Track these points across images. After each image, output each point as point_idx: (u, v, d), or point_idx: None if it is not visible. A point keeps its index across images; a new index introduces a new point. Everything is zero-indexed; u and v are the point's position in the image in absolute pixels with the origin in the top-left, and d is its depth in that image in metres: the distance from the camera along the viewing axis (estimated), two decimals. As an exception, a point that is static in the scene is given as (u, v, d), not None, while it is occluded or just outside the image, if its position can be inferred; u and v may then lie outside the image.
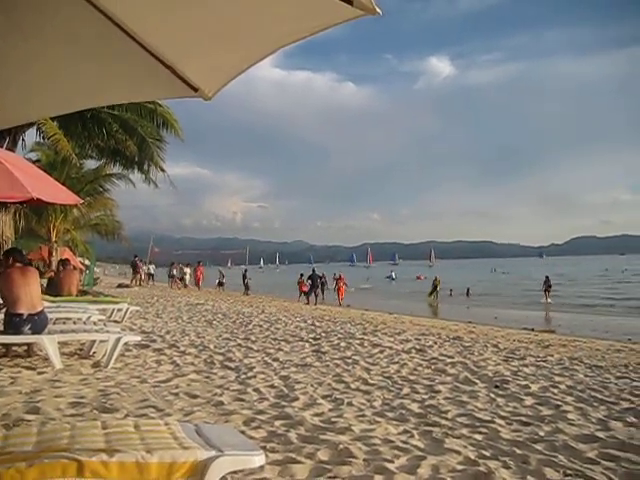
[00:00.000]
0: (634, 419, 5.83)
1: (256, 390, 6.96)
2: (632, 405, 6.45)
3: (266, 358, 9.44)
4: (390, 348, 10.87)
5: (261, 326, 14.61)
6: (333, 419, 5.69)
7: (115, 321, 13.69)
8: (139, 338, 9.67)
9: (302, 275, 32.61)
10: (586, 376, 8.32)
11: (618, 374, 8.57)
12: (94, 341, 9.04)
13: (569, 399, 6.70)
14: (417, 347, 11.12)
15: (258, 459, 3.07)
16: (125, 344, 9.04)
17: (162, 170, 21.50)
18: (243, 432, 4.95)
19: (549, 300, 34.32)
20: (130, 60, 3.05)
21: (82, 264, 31.03)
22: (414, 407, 6.29)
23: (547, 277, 35.32)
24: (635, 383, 7.80)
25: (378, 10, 2.22)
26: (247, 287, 39.75)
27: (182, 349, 10.13)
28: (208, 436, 3.21)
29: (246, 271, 42.23)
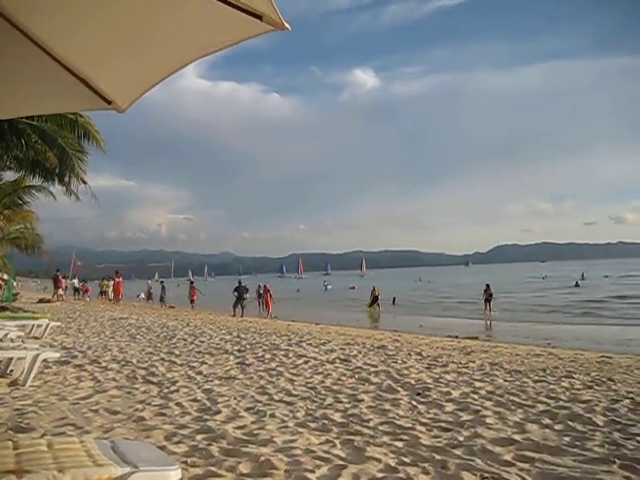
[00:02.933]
0: (549, 421, 6.13)
1: (178, 404, 6.94)
2: (548, 407, 6.76)
3: (189, 372, 9.42)
4: (315, 359, 11.00)
5: (185, 339, 14.55)
6: (255, 431, 5.73)
7: (35, 337, 13.40)
8: (59, 355, 9.46)
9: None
10: (505, 381, 8.66)
11: (536, 378, 8.94)
12: (11, 359, 8.73)
13: (488, 404, 6.96)
14: (342, 357, 11.27)
15: (174, 474, 3.07)
16: (44, 361, 8.84)
17: (84, 182, 20.96)
18: (164, 447, 4.94)
19: (493, 311, 31.91)
20: (41, 72, 3.01)
21: (0, 279, 29.86)
22: (337, 417, 6.40)
23: (487, 285, 32.81)
24: (551, 386, 8.17)
25: (287, 26, 2.32)
26: (162, 299, 39.55)
27: (104, 365, 9.96)
28: (124, 452, 3.18)
29: (163, 282, 41.68)
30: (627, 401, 7.13)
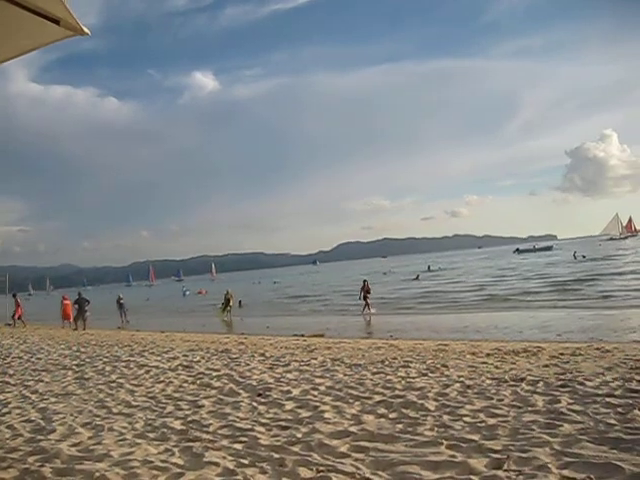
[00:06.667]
0: (384, 410, 6.45)
1: (10, 427, 6.65)
2: (384, 398, 7.11)
3: (24, 391, 9.05)
4: (157, 367, 10.89)
5: (21, 357, 13.97)
6: (92, 447, 5.60)
7: None
8: None
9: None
10: (345, 375, 8.98)
11: (374, 370, 9.36)
12: None
13: (327, 399, 7.20)
14: (184, 364, 11.22)
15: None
16: None
17: None
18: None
19: (372, 310, 30.28)
20: None
21: None
22: (176, 424, 6.38)
23: (365, 282, 31.76)
24: (389, 377, 8.60)
25: (86, 30, 2.29)
26: None
27: None
28: None
29: None
30: (457, 385, 7.67)
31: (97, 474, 4.68)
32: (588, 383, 7.18)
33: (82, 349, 15.57)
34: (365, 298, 30.77)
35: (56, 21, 2.28)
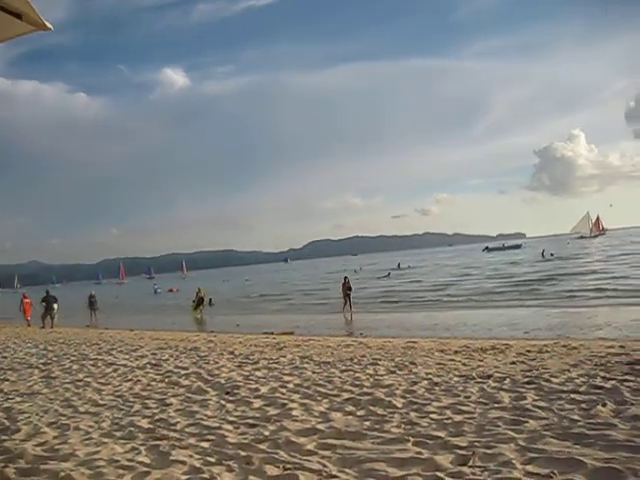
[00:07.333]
0: (352, 408, 6.49)
1: None
2: (352, 395, 7.15)
3: None
4: (125, 366, 10.84)
5: None
6: (57, 447, 5.55)
7: None
8: None
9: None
10: (314, 373, 9.02)
11: (343, 368, 9.41)
12: None
13: (295, 397, 7.23)
14: (153, 362, 11.18)
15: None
16: None
17: None
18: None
19: (351, 309, 29.45)
20: None
21: None
22: (144, 423, 6.36)
23: (346, 278, 31.05)
24: (357, 374, 8.64)
25: (49, 25, 2.28)
26: None
27: None
28: None
29: None
30: (425, 382, 7.74)
31: (62, 474, 4.65)
32: (554, 380, 7.30)
33: (49, 347, 15.43)
34: (347, 295, 30.19)
35: (18, 16, 2.26)
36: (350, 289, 30.40)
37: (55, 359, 12.49)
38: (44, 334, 22.07)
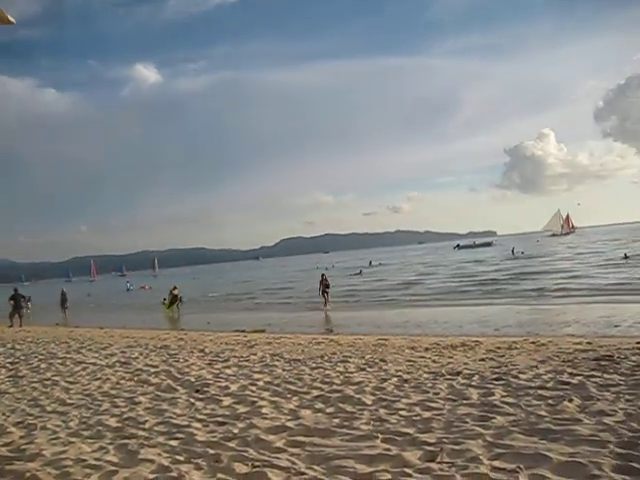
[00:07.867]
0: (322, 405, 6.52)
1: None
2: (322, 393, 7.19)
3: None
4: (94, 364, 10.76)
5: None
6: (23, 446, 5.52)
7: None
8: None
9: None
10: (284, 370, 9.03)
11: (313, 365, 9.44)
12: None
13: (265, 394, 7.24)
14: (122, 360, 11.11)
15: None
16: None
17: None
18: None
19: (328, 306, 29.41)
20: None
21: None
22: (112, 422, 6.33)
23: (323, 276, 31.11)
24: (327, 372, 8.67)
25: (12, 19, 2.27)
26: None
27: None
28: None
29: None
30: (395, 379, 7.81)
31: (28, 474, 4.62)
32: (522, 376, 7.42)
33: (17, 346, 15.28)
34: (324, 293, 30.26)
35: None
36: (328, 286, 30.47)
37: (23, 358, 12.37)
38: (12, 333, 21.76)
